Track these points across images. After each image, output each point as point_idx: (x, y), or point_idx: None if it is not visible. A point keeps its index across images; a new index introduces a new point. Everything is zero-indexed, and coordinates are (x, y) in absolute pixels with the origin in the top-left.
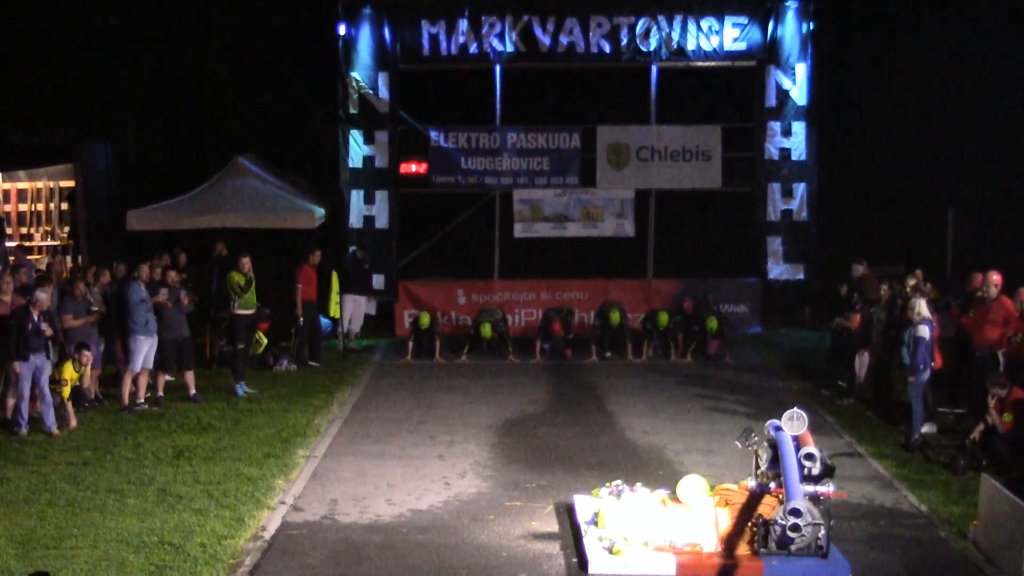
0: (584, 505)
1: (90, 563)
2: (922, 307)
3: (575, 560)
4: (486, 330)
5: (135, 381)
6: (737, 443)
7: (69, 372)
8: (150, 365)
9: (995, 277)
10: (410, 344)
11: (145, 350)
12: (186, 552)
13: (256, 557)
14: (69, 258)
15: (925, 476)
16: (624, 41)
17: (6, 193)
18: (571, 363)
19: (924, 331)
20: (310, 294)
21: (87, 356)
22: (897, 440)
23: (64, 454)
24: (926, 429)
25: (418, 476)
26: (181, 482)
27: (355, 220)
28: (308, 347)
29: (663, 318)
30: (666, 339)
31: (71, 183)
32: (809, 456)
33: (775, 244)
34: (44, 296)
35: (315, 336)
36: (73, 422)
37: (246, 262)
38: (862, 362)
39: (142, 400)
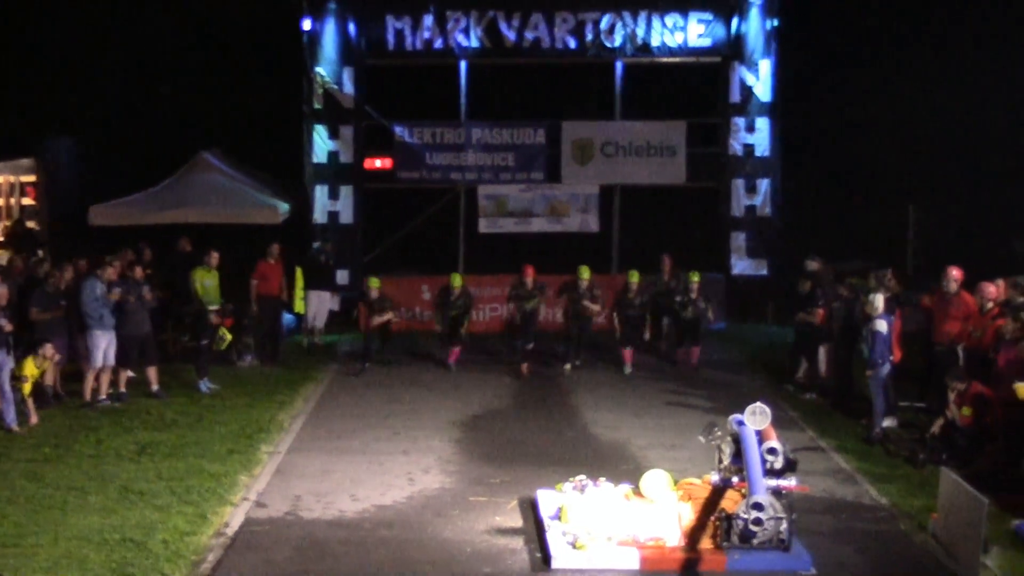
0: (548, 500)
1: (51, 561)
2: (879, 302)
3: (539, 555)
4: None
5: (97, 377)
6: (700, 438)
7: (30, 368)
8: (112, 361)
9: (955, 272)
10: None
11: (103, 345)
12: (148, 549)
13: (219, 553)
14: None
15: (886, 470)
16: (589, 37)
17: None
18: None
19: (882, 326)
20: (269, 289)
21: (49, 351)
22: (859, 434)
23: (24, 451)
24: (887, 423)
25: (382, 472)
26: (143, 479)
27: (320, 215)
28: (265, 342)
29: (633, 276)
30: (643, 317)
31: (33, 178)
32: (772, 450)
33: (739, 240)
34: (3, 291)
35: (274, 333)
36: (34, 418)
37: (215, 257)
38: (825, 357)
39: (104, 396)
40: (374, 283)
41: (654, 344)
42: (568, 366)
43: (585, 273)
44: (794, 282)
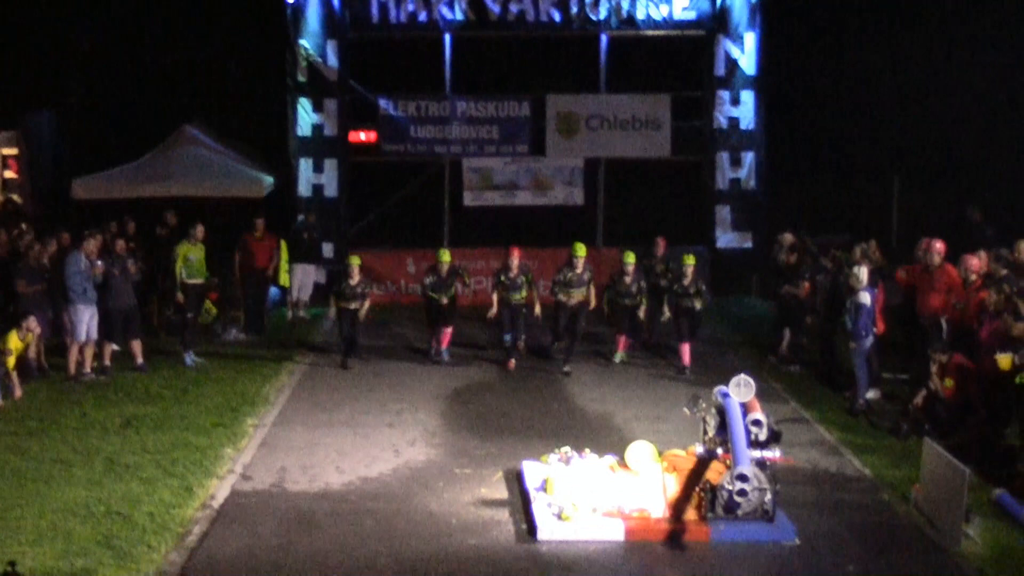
0: (533, 472)
1: (36, 533)
2: (863, 274)
3: (524, 526)
4: (441, 298)
5: (81, 351)
6: (685, 410)
7: (14, 342)
8: (95, 335)
9: (938, 245)
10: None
11: (87, 319)
12: (134, 522)
13: (205, 526)
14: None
15: (869, 441)
16: (574, 10)
17: None
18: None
19: (865, 298)
20: (253, 264)
21: (32, 324)
22: (842, 406)
23: (9, 424)
24: (870, 395)
25: (368, 444)
26: (129, 452)
27: (304, 189)
28: (247, 317)
29: (629, 257)
30: (636, 306)
31: (15, 151)
32: (756, 422)
33: (723, 213)
34: None
35: (259, 307)
36: (18, 392)
37: (200, 231)
38: (809, 330)
39: (88, 370)
40: (355, 261)
41: (643, 334)
42: (566, 368)
43: (581, 251)
44: (776, 256)
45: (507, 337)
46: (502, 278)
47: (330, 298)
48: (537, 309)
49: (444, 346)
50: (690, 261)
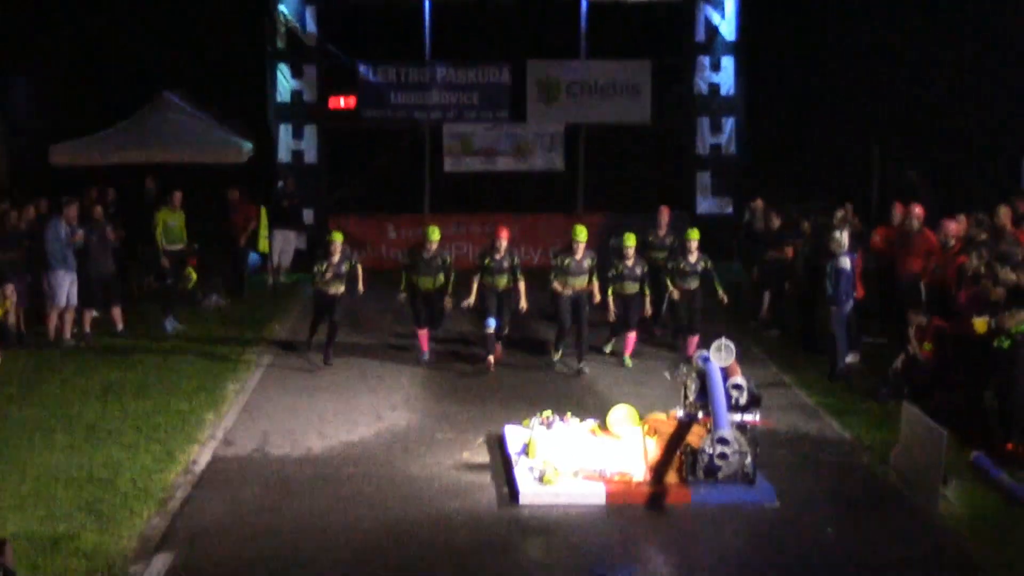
0: (515, 436)
1: (18, 499)
2: (844, 239)
3: (506, 490)
4: (426, 283)
5: (61, 317)
6: (666, 374)
7: None
8: (75, 301)
9: (917, 210)
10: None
11: (66, 285)
12: (116, 487)
13: (187, 491)
14: None
15: (848, 405)
16: None
17: None
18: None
19: (845, 263)
20: (227, 230)
21: (8, 290)
22: (822, 370)
23: None
24: (850, 359)
25: (349, 409)
26: (110, 417)
27: (283, 155)
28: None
29: (630, 239)
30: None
31: None
32: (737, 386)
33: (704, 178)
34: None
35: (238, 273)
36: None
37: (178, 197)
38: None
39: (68, 336)
40: (337, 237)
41: (650, 325)
42: (581, 365)
43: (581, 234)
44: (750, 222)
45: (490, 321)
46: (487, 260)
47: (313, 281)
48: (523, 302)
49: (424, 349)
50: (694, 236)
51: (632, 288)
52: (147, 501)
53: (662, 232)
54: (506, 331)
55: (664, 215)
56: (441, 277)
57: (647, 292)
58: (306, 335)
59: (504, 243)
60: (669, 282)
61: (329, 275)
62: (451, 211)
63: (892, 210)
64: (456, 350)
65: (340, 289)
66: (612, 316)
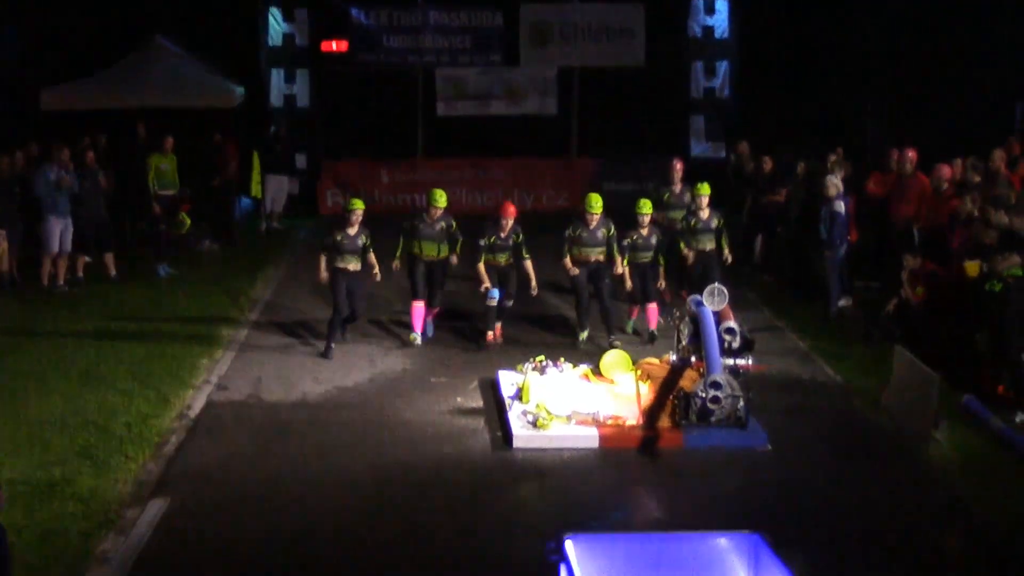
0: (508, 380)
1: (13, 444)
2: (838, 183)
3: (499, 434)
4: (430, 250)
5: (54, 263)
6: (660, 319)
7: None
8: (68, 247)
9: (911, 154)
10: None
11: (58, 231)
12: (111, 432)
13: (182, 436)
14: None
15: (841, 348)
16: None
17: None
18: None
19: (840, 206)
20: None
21: (1, 236)
22: (814, 314)
23: None
24: (842, 303)
25: (343, 354)
26: (104, 363)
27: (276, 99)
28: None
29: (645, 206)
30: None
31: None
32: (729, 331)
33: (697, 122)
34: None
35: (228, 216)
36: None
37: (169, 142)
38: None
39: (62, 282)
40: (358, 205)
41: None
42: (584, 334)
43: (596, 205)
44: (740, 166)
45: (493, 292)
46: (491, 239)
47: (319, 256)
48: (533, 283)
49: (418, 329)
50: (704, 191)
51: (646, 257)
52: (142, 446)
53: (678, 188)
54: (510, 303)
55: (677, 169)
56: (446, 246)
57: (661, 261)
58: (328, 331)
59: (510, 222)
60: (682, 245)
61: (346, 246)
62: (444, 155)
63: (889, 155)
64: (454, 325)
65: (357, 266)
66: (629, 286)
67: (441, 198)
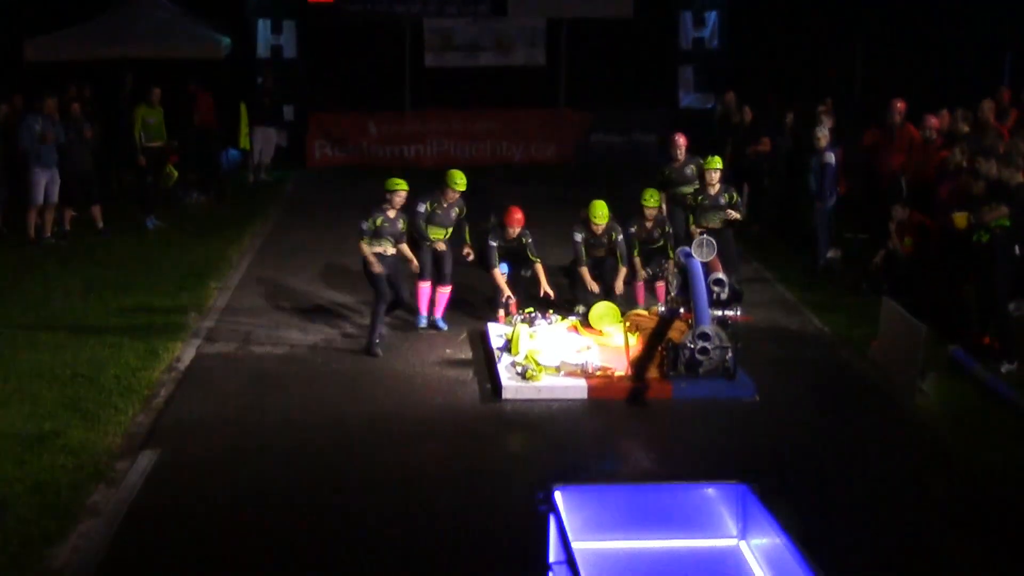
0: (497, 332)
1: (2, 396)
2: (827, 133)
3: (489, 386)
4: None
5: (41, 215)
6: (647, 271)
7: None
8: (54, 199)
9: (899, 104)
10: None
11: (43, 183)
12: (100, 384)
13: (171, 388)
14: None
15: (828, 300)
16: None
17: None
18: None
19: (830, 158)
20: (200, 122)
21: None
22: (803, 265)
23: None
24: (830, 255)
25: (332, 306)
26: (92, 316)
27: (262, 50)
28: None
29: (652, 198)
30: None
31: None
32: (718, 282)
33: (686, 73)
34: None
35: (214, 168)
36: None
37: (156, 94)
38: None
39: (49, 234)
40: (400, 186)
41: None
42: (581, 308)
43: (600, 216)
44: (726, 115)
45: (502, 266)
46: (496, 244)
47: (360, 244)
48: (546, 286)
49: (439, 314)
50: (715, 164)
51: (655, 244)
52: (131, 398)
53: (678, 164)
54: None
55: (680, 144)
56: (451, 231)
57: (671, 255)
58: (369, 328)
59: (516, 230)
60: (691, 220)
61: (386, 230)
62: (432, 107)
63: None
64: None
65: (392, 250)
66: (643, 275)
67: (461, 181)
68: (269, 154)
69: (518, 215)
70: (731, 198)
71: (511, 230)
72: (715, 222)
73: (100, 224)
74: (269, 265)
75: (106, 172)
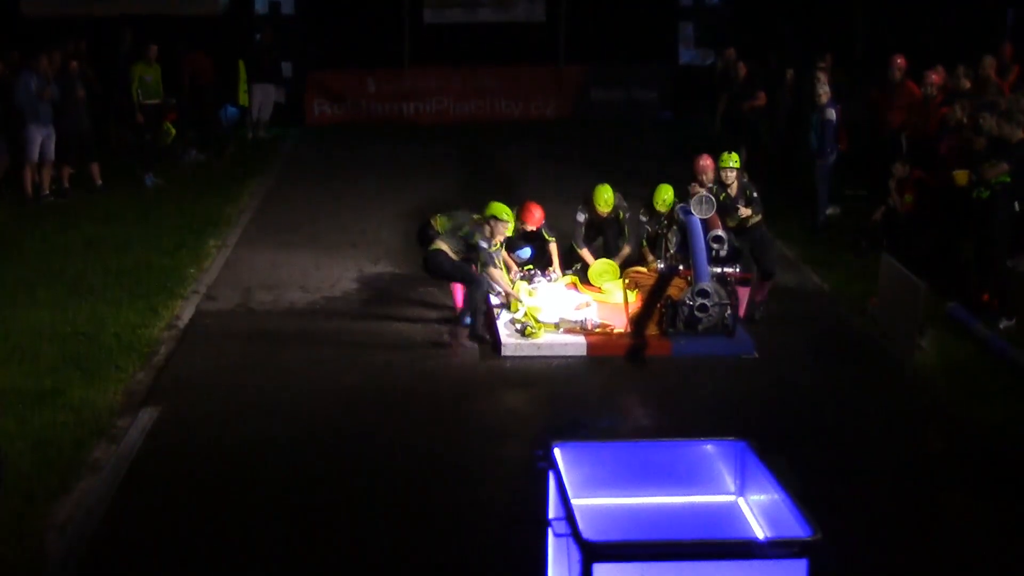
0: (497, 289)
1: (3, 354)
2: (828, 89)
3: (488, 342)
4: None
5: (39, 173)
6: (647, 227)
7: None
8: (51, 156)
9: (899, 60)
10: None
11: (39, 140)
12: (100, 342)
13: (171, 346)
14: None
15: (828, 257)
16: None
17: None
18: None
19: (831, 114)
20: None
21: None
22: (802, 222)
23: None
24: (830, 211)
25: (331, 264)
26: (92, 274)
27: (260, 6)
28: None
29: (663, 194)
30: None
31: None
32: (717, 238)
33: (686, 29)
34: None
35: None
36: None
37: (153, 51)
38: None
39: (47, 192)
40: (506, 215)
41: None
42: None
43: (605, 200)
44: (726, 71)
45: (523, 252)
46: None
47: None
48: (557, 268)
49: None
50: (728, 163)
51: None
52: (132, 355)
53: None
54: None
55: (706, 168)
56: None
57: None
58: (472, 307)
59: (533, 228)
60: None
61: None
62: (431, 64)
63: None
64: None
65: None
66: (653, 266)
67: (507, 216)
68: (268, 111)
69: (536, 213)
70: (750, 192)
71: (525, 228)
72: (733, 221)
73: (99, 182)
74: (268, 223)
75: (104, 130)
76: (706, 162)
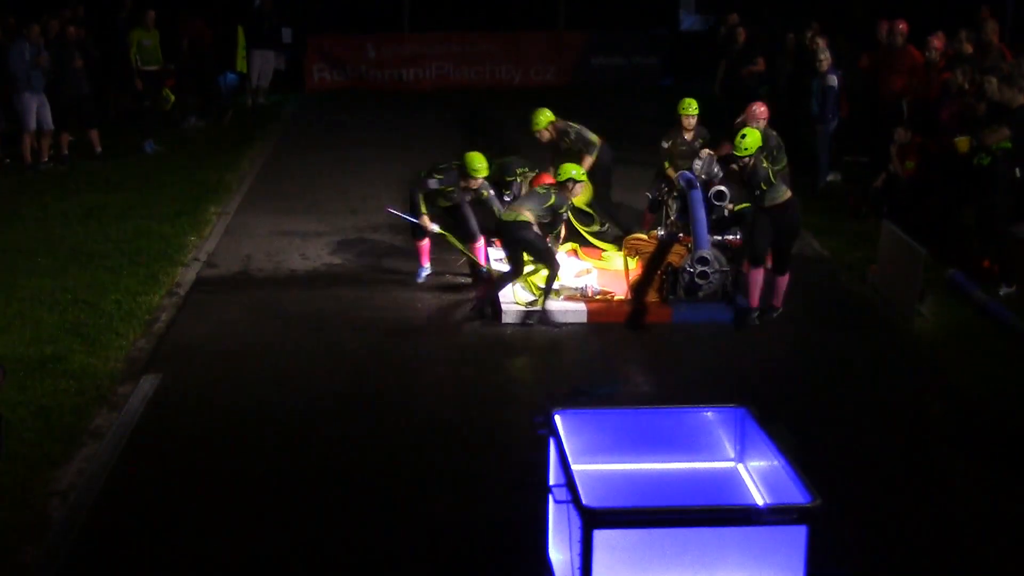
0: (497, 256)
1: (4, 321)
2: (829, 55)
3: (489, 309)
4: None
5: (37, 140)
6: (648, 194)
7: None
8: (48, 124)
9: (901, 26)
10: None
11: (34, 107)
12: (101, 309)
13: (172, 313)
14: None
15: (828, 223)
16: None
17: None
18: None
19: (832, 80)
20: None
21: None
22: (802, 188)
23: None
24: (831, 178)
25: (332, 231)
26: (92, 241)
27: None
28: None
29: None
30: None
31: None
32: (719, 195)
33: None
34: None
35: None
36: None
37: (151, 16)
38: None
39: (46, 159)
40: (578, 172)
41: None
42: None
43: (479, 167)
44: (729, 36)
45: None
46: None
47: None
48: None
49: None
50: (691, 110)
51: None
52: (132, 323)
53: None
54: None
55: (758, 115)
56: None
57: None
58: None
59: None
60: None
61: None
62: (431, 29)
63: (877, 29)
64: None
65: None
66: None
67: (481, 167)
68: (267, 78)
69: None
70: (767, 163)
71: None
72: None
73: (98, 149)
74: (268, 190)
75: (103, 96)
76: (760, 108)
